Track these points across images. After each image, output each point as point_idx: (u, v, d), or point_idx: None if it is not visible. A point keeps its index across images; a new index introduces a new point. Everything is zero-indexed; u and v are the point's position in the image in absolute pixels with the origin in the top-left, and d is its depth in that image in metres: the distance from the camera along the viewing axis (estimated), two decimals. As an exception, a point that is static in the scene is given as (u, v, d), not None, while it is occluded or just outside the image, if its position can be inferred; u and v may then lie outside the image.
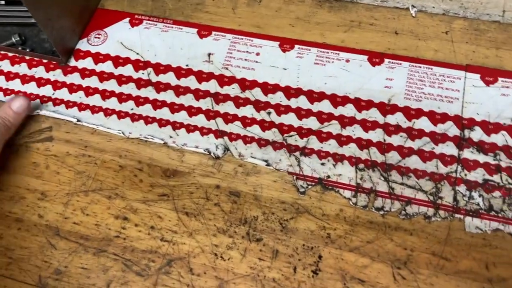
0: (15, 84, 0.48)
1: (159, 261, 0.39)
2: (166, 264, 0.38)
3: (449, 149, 0.41)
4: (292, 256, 0.38)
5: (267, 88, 0.45)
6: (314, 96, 0.44)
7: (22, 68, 0.49)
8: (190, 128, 0.44)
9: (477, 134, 0.41)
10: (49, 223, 0.41)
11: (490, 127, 0.42)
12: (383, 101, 0.43)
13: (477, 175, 0.40)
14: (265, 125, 0.43)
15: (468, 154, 0.41)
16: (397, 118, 0.43)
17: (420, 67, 0.45)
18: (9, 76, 0.48)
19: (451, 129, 0.42)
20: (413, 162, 0.41)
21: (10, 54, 0.49)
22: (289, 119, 0.43)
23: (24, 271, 0.39)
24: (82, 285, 0.38)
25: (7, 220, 0.41)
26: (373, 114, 0.43)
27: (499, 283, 0.36)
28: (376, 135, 0.42)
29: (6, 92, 0.47)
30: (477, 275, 0.36)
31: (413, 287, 0.36)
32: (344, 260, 0.38)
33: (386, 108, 0.43)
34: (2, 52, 0.50)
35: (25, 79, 0.48)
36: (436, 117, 0.42)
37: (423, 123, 0.42)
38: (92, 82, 0.47)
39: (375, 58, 0.46)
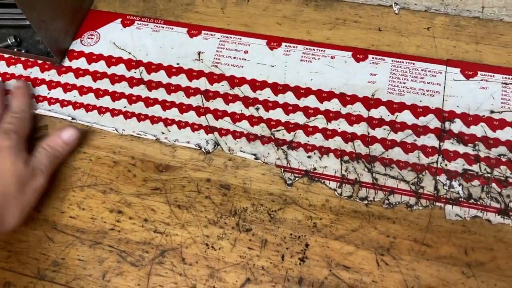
0: (11, 85, 0.49)
1: (153, 252, 0.40)
2: (160, 255, 0.40)
3: (430, 140, 0.43)
4: (280, 245, 0.40)
5: (255, 85, 0.47)
6: (300, 92, 0.46)
7: (17, 69, 0.50)
8: (181, 124, 0.45)
9: (457, 126, 0.43)
10: (46, 218, 0.42)
11: (469, 119, 0.43)
12: (367, 95, 0.45)
13: (457, 165, 0.42)
14: (254, 121, 0.45)
15: (449, 145, 0.42)
16: (380, 112, 0.44)
17: (402, 62, 0.47)
18: (5, 77, 0.50)
19: (432, 121, 0.43)
20: (396, 153, 0.42)
21: (6, 56, 0.51)
22: (277, 114, 0.45)
23: (23, 263, 0.41)
24: (79, 276, 0.40)
25: (5, 215, 0.43)
26: (358, 108, 0.45)
27: (477, 267, 0.38)
28: (360, 129, 0.44)
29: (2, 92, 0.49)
30: (457, 260, 0.38)
31: (396, 272, 0.38)
32: (330, 248, 0.39)
33: (370, 103, 0.45)
34: (-2, 54, 0.51)
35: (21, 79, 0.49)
36: (418, 110, 0.44)
37: (405, 116, 0.44)
38: (86, 81, 0.49)
39: (359, 54, 0.47)
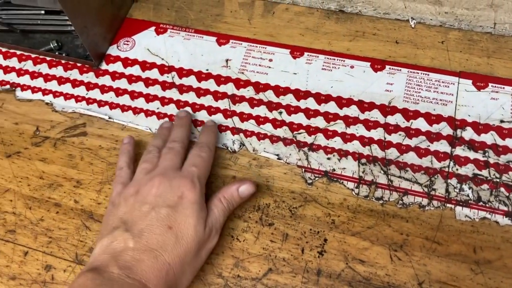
0: (52, 85, 0.53)
1: (182, 242, 0.43)
2: (188, 244, 0.43)
3: (442, 146, 0.46)
4: (300, 239, 0.43)
5: (279, 91, 0.50)
6: (321, 98, 0.49)
7: (58, 71, 0.54)
8: (209, 126, 0.49)
9: (468, 134, 0.46)
10: (84, 208, 0.46)
11: (480, 128, 0.46)
12: (384, 103, 0.48)
13: (468, 170, 0.44)
14: (277, 123, 0.48)
15: (460, 151, 0.45)
16: (396, 119, 0.47)
17: (418, 73, 0.50)
18: (47, 78, 0.54)
19: (445, 129, 0.46)
20: (410, 157, 0.45)
21: (48, 58, 0.55)
22: (299, 118, 0.48)
23: (63, 249, 0.44)
24: (113, 262, 0.43)
25: (47, 204, 0.46)
26: (375, 115, 0.48)
27: (485, 264, 0.40)
28: (377, 134, 0.47)
29: (45, 92, 0.53)
30: (466, 258, 0.41)
31: (408, 267, 0.41)
32: (347, 243, 0.42)
33: (387, 110, 0.48)
34: (41, 57, 0.55)
35: (61, 81, 0.53)
36: (431, 118, 0.47)
37: (419, 123, 0.47)
38: (122, 84, 0.52)
39: (377, 64, 0.51)
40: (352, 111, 0.48)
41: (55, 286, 0.43)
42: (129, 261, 0.35)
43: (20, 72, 0.55)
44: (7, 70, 0.55)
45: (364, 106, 0.48)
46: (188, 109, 0.50)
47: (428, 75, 0.50)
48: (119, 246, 0.36)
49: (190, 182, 0.40)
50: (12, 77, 0.55)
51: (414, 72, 0.50)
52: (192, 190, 0.39)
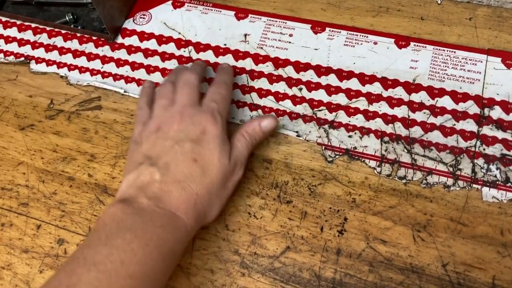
0: (67, 58, 0.52)
1: (198, 218, 0.42)
2: (204, 220, 0.42)
3: (469, 125, 0.44)
4: (319, 217, 0.41)
5: (299, 67, 0.48)
6: (343, 74, 0.47)
7: (73, 44, 0.53)
8: (227, 101, 0.48)
9: (496, 113, 0.44)
10: (98, 182, 0.45)
11: (509, 106, 0.44)
12: (408, 80, 0.46)
13: (495, 150, 0.43)
14: (297, 100, 0.47)
15: (487, 130, 0.43)
16: (421, 97, 0.46)
17: (444, 50, 0.48)
18: (62, 51, 0.53)
19: (471, 107, 0.45)
20: (435, 136, 0.44)
21: (63, 31, 0.54)
22: (319, 95, 0.47)
23: (76, 222, 0.43)
24: (127, 237, 0.42)
25: (60, 178, 0.46)
26: (399, 92, 0.46)
27: (512, 247, 0.39)
28: (401, 111, 0.45)
29: (60, 65, 0.52)
30: (492, 240, 0.39)
31: (432, 248, 0.39)
32: (368, 222, 0.41)
33: (411, 87, 0.46)
34: (56, 29, 0.54)
35: (76, 54, 0.52)
36: (457, 96, 0.45)
37: (445, 102, 0.45)
38: (138, 58, 0.51)
39: (402, 41, 0.49)
40: (375, 88, 0.47)
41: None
42: (157, 192, 0.36)
43: (35, 45, 0.54)
44: (21, 42, 0.54)
45: (387, 83, 0.47)
46: (205, 84, 0.48)
47: (454, 52, 0.48)
48: (146, 179, 0.37)
49: (211, 117, 0.40)
50: (26, 49, 0.54)
51: (440, 49, 0.48)
52: (214, 124, 0.39)
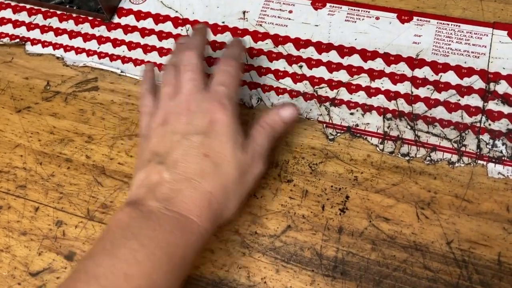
0: (63, 39, 0.51)
1: (197, 198, 0.41)
2: (204, 201, 0.41)
3: (474, 100, 0.43)
4: (320, 196, 0.41)
5: (299, 43, 0.47)
6: (344, 51, 0.46)
7: (69, 25, 0.52)
8: (225, 80, 0.47)
9: (502, 87, 0.43)
10: (96, 163, 0.44)
11: (515, 81, 0.43)
12: (411, 56, 0.45)
13: (501, 125, 0.41)
14: (297, 78, 0.46)
15: (493, 105, 0.42)
16: (424, 72, 0.44)
17: (448, 24, 0.46)
18: (58, 32, 0.52)
19: (476, 82, 0.43)
20: (439, 112, 0.42)
21: (59, 12, 0.53)
22: (320, 72, 0.46)
23: (74, 204, 0.43)
24: (126, 218, 0.42)
25: (58, 160, 0.45)
26: (401, 68, 0.45)
27: (519, 223, 0.38)
28: (404, 87, 0.44)
29: (55, 46, 0.51)
30: (498, 216, 0.38)
31: (436, 226, 0.38)
32: (370, 200, 0.40)
33: (414, 63, 0.45)
34: (51, 10, 0.53)
35: (72, 35, 0.51)
36: (462, 71, 0.44)
37: (449, 77, 0.44)
38: (134, 37, 0.50)
39: (404, 16, 0.47)
40: (377, 64, 0.45)
41: (66, 242, 0.41)
42: (167, 192, 0.33)
43: (30, 26, 0.53)
44: (16, 24, 0.53)
45: (390, 59, 0.45)
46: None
47: (459, 26, 0.46)
48: (155, 178, 0.34)
49: (220, 104, 0.36)
50: (22, 31, 0.53)
51: (444, 24, 0.47)
52: (223, 113, 0.36)
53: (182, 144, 0.35)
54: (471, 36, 0.46)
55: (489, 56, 0.44)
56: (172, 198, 0.33)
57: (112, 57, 0.49)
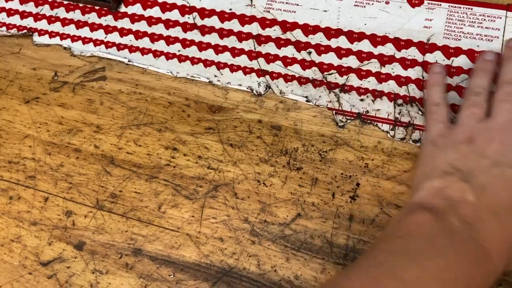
0: (70, 29, 0.51)
1: (206, 187, 0.41)
2: (213, 189, 0.41)
3: (487, 85, 0.42)
4: (330, 184, 0.40)
5: (308, 29, 0.47)
6: (354, 36, 0.45)
7: (76, 15, 0.52)
8: (233, 68, 0.46)
9: (516, 71, 0.42)
10: (105, 153, 0.44)
11: (530, 64, 0.42)
12: (422, 40, 0.44)
13: (515, 109, 0.40)
14: (306, 64, 0.45)
15: (507, 90, 0.41)
16: (436, 56, 0.43)
17: (460, 7, 0.45)
18: (65, 22, 0.52)
19: (490, 66, 0.42)
20: (451, 97, 0.42)
21: (66, 2, 0.53)
22: (329, 58, 0.45)
23: (83, 194, 0.43)
24: (135, 207, 0.42)
25: (66, 150, 0.45)
26: (412, 53, 0.44)
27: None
28: (415, 73, 0.43)
29: (63, 36, 0.51)
30: None
31: (448, 212, 0.38)
32: (381, 187, 0.39)
33: (425, 47, 0.44)
34: (58, 1, 0.53)
35: (79, 25, 0.51)
36: (475, 55, 0.43)
37: (461, 61, 0.43)
38: (141, 26, 0.50)
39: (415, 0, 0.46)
40: (388, 49, 0.44)
41: (76, 231, 0.41)
42: (470, 216, 0.31)
43: (37, 17, 0.53)
44: (23, 15, 0.53)
45: (400, 44, 0.44)
46: (210, 51, 0.47)
47: (471, 9, 0.45)
48: (456, 195, 0.32)
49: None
50: (29, 22, 0.53)
51: (455, 7, 0.45)
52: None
53: (492, 171, 0.33)
54: (484, 19, 0.44)
55: (503, 39, 0.43)
56: (475, 225, 0.31)
57: (120, 47, 0.49)
